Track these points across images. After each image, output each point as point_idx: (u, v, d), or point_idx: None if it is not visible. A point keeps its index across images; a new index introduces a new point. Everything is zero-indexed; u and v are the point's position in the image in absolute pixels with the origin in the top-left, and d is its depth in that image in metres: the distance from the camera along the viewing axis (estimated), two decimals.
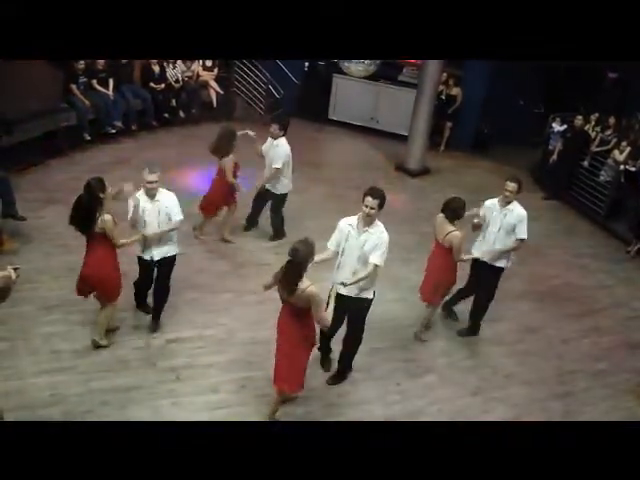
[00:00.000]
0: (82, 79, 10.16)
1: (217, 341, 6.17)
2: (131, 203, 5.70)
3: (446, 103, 12.59)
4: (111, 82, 10.58)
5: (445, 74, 12.41)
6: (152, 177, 5.57)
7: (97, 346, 5.80)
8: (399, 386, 5.94)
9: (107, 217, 5.32)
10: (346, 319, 5.63)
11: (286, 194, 7.96)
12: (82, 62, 10.06)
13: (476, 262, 6.43)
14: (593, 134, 11.15)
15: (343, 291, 5.31)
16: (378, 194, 5.14)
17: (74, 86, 10.02)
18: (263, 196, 8.03)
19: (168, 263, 5.99)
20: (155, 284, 6.14)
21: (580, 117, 10.97)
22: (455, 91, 12.64)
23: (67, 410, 5.06)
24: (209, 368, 5.80)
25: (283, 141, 7.63)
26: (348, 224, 5.33)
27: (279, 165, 7.55)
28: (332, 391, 5.74)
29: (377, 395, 5.79)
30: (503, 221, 6.16)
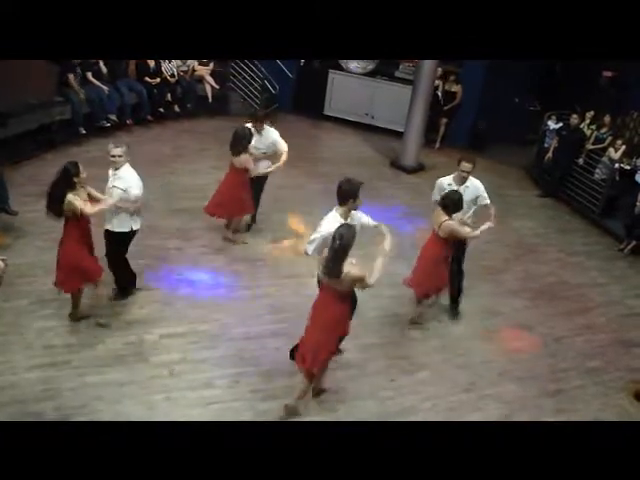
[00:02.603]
0: (78, 70, 10.12)
1: (211, 336, 6.17)
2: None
3: (444, 99, 12.59)
4: (105, 74, 10.57)
5: (440, 69, 12.42)
6: (115, 151, 5.82)
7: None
8: (393, 382, 5.95)
9: (70, 197, 5.42)
10: None
11: None
12: None
13: None
14: (588, 132, 11.17)
15: None
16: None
17: (71, 75, 9.97)
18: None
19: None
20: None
21: (575, 115, 10.99)
22: (456, 88, 12.62)
23: (60, 405, 5.05)
24: (202, 363, 5.80)
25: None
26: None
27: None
28: (326, 386, 5.74)
29: (371, 391, 5.80)
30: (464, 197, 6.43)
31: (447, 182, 6.68)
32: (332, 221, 5.22)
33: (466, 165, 6.46)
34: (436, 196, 6.69)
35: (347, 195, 5.25)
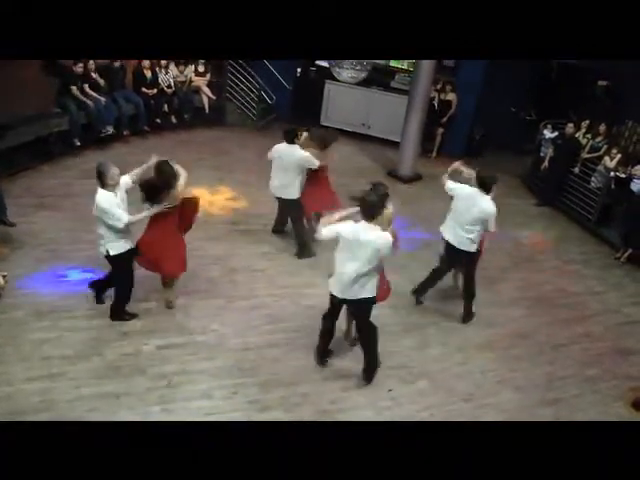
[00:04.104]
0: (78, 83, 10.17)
1: (208, 347, 6.15)
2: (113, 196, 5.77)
3: (439, 109, 12.66)
4: (103, 86, 10.56)
5: (441, 82, 12.55)
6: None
7: (169, 307, 6.58)
8: (391, 392, 5.94)
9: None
10: None
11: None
12: (80, 66, 10.06)
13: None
14: (584, 141, 11.22)
15: None
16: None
17: (74, 87, 10.02)
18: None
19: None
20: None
21: (571, 124, 11.05)
22: (451, 96, 12.70)
23: (57, 416, 5.01)
24: (200, 374, 5.78)
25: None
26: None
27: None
28: (324, 397, 5.73)
29: (369, 401, 5.78)
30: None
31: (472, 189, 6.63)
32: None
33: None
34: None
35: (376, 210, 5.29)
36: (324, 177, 7.99)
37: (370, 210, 5.21)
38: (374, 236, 5.18)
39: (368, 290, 5.44)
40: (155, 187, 5.86)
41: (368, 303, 5.54)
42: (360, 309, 5.63)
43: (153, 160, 6.10)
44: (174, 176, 5.89)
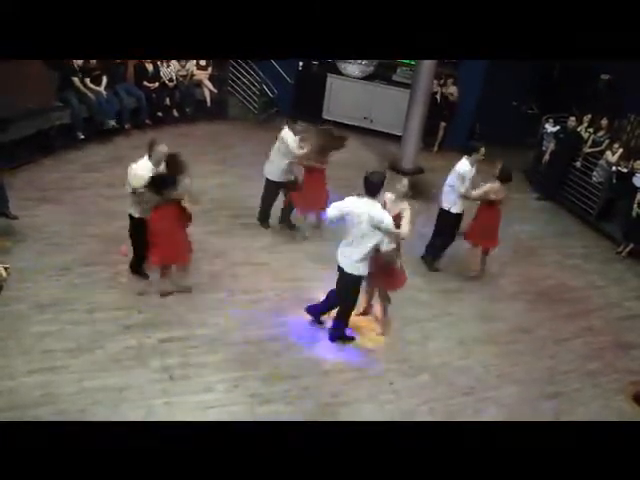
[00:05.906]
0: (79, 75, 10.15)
1: (210, 341, 6.16)
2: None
3: (443, 103, 12.64)
4: (104, 80, 10.53)
5: (444, 76, 12.53)
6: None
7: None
8: (392, 386, 5.96)
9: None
10: None
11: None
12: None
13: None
14: (586, 135, 11.20)
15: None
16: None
17: (76, 79, 10.00)
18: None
19: None
20: None
21: (573, 118, 11.04)
22: (452, 89, 12.70)
23: (59, 410, 5.04)
24: (202, 368, 5.79)
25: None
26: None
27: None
28: (325, 390, 5.74)
29: (370, 394, 5.80)
30: None
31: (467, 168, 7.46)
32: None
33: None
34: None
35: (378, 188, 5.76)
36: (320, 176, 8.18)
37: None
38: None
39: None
40: (164, 179, 6.02)
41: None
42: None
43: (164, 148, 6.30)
44: (183, 169, 6.07)
